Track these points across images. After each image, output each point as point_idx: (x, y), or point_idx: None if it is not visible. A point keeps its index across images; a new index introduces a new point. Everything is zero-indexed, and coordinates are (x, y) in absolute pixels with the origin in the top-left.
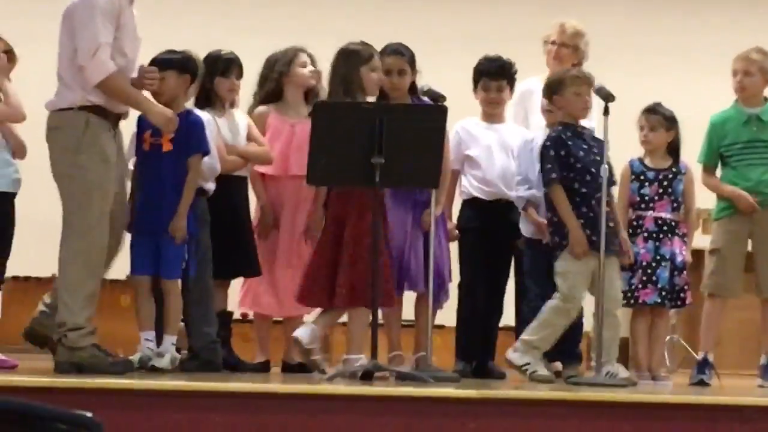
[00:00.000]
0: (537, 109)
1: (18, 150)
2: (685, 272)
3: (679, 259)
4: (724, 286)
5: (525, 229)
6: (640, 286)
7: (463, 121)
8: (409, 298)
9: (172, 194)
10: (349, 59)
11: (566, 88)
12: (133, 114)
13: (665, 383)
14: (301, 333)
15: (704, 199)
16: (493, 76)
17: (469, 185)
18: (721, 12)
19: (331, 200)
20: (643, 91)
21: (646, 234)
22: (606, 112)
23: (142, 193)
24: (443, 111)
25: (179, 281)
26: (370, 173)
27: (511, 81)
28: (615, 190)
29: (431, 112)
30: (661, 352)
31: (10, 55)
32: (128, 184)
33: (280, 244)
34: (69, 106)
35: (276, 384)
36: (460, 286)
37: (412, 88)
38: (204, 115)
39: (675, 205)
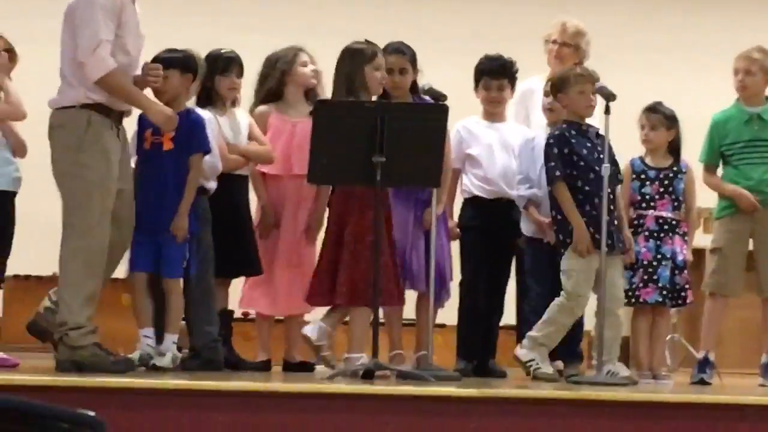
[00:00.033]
0: (538, 108)
1: (18, 149)
2: (686, 271)
3: (680, 258)
4: (725, 285)
5: (526, 228)
6: (641, 285)
7: (464, 120)
8: (410, 297)
9: (172, 193)
10: (353, 58)
11: (570, 87)
12: (135, 112)
13: (666, 382)
14: (310, 331)
15: (705, 198)
16: (494, 74)
17: (470, 184)
18: (722, 11)
19: (334, 199)
20: (643, 90)
21: (647, 233)
22: (607, 111)
23: (143, 191)
24: (444, 110)
25: (180, 280)
26: (371, 172)
27: (512, 80)
28: (620, 188)
29: (432, 111)
30: (662, 351)
31: (11, 53)
32: None
33: (281, 244)
34: (71, 104)
35: (277, 383)
36: (461, 284)
37: (414, 87)
38: (205, 113)
39: (676, 204)
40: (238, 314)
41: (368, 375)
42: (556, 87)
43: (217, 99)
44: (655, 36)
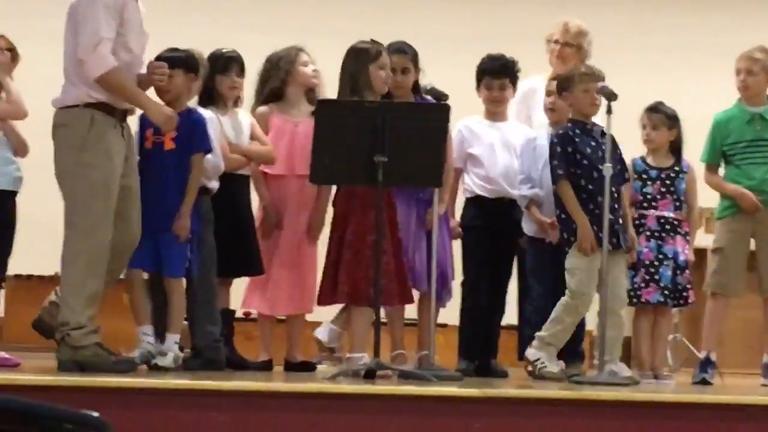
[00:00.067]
0: (539, 107)
1: (19, 148)
2: (687, 271)
3: (681, 258)
4: (727, 285)
5: (528, 227)
6: (642, 284)
7: (466, 120)
8: None
9: (174, 193)
10: (358, 57)
11: (575, 85)
12: (137, 111)
13: (668, 382)
14: (321, 333)
15: (707, 197)
16: (496, 74)
17: (472, 183)
18: (724, 11)
19: (337, 199)
20: (645, 89)
21: (648, 233)
22: (609, 111)
23: (144, 191)
24: (446, 110)
25: (183, 280)
26: (373, 172)
27: (513, 79)
28: (626, 188)
29: (434, 111)
30: (663, 351)
31: (12, 53)
32: None
33: (282, 244)
34: (74, 103)
35: (279, 383)
36: (462, 284)
37: (416, 86)
38: (207, 113)
39: (677, 203)
40: (239, 314)
41: (370, 375)
42: (561, 86)
43: (219, 99)
44: (656, 36)
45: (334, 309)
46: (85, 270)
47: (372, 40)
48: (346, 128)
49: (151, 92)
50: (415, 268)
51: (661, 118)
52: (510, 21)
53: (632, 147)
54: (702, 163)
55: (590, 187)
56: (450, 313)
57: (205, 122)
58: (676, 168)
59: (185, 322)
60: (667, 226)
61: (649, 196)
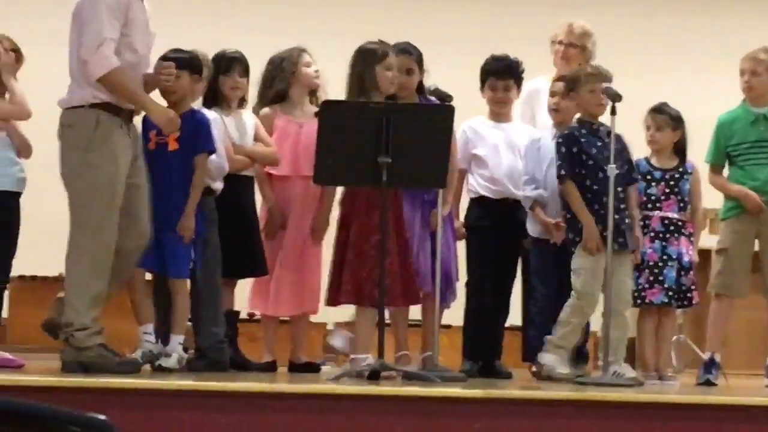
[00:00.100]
0: (544, 108)
1: (23, 149)
2: (691, 272)
3: (685, 258)
4: (731, 286)
5: (532, 228)
6: (646, 285)
7: (471, 120)
8: None
9: (178, 193)
10: (365, 58)
11: (582, 86)
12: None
13: (672, 383)
14: (336, 341)
15: (711, 198)
16: (501, 75)
17: (476, 184)
18: (727, 12)
19: (343, 199)
20: (649, 90)
21: (652, 234)
22: (613, 112)
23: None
24: (450, 110)
25: (187, 281)
26: (377, 173)
27: (518, 80)
28: (634, 188)
29: (438, 112)
30: (667, 352)
31: (17, 54)
32: None
33: (287, 245)
34: (80, 103)
35: (283, 384)
36: (467, 285)
37: (420, 87)
38: (211, 114)
39: (682, 204)
40: (244, 315)
41: (374, 376)
42: (568, 86)
43: (223, 99)
44: (659, 37)
45: (339, 310)
46: (90, 271)
47: (379, 40)
48: (350, 129)
49: (155, 93)
50: (419, 269)
51: (665, 119)
52: (513, 22)
53: (636, 148)
54: (706, 164)
55: (595, 187)
56: (454, 314)
57: (208, 123)
58: (681, 169)
59: (189, 323)
60: (672, 227)
61: (653, 197)
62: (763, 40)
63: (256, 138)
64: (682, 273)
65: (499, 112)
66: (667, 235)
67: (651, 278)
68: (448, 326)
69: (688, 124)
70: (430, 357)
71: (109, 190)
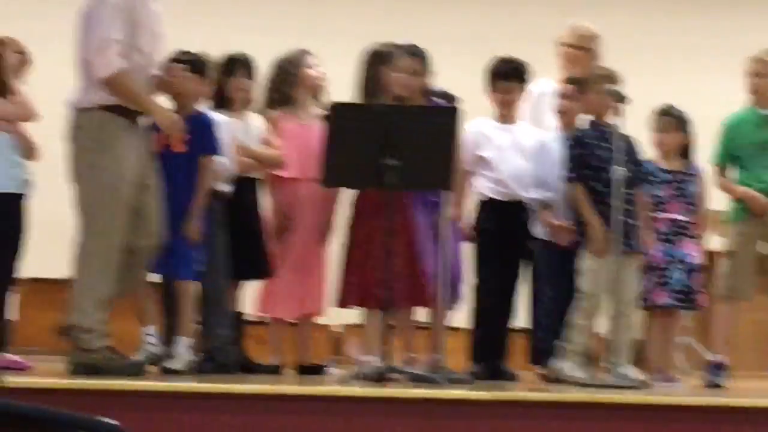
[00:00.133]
0: (549, 110)
1: (29, 151)
2: (698, 274)
3: (692, 261)
4: (737, 289)
5: (539, 230)
6: (653, 288)
7: (477, 122)
8: None
9: (183, 195)
10: (373, 60)
11: (590, 87)
12: None
13: (678, 385)
14: (358, 351)
15: (717, 200)
16: (507, 77)
17: (482, 186)
18: (732, 13)
19: (353, 201)
20: (655, 92)
21: (659, 236)
22: (620, 114)
23: None
24: (456, 112)
25: (193, 283)
26: (383, 175)
27: (524, 82)
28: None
29: (444, 114)
30: (674, 354)
31: (23, 56)
32: None
33: (294, 247)
34: (89, 105)
35: (290, 386)
36: (473, 287)
37: (427, 89)
38: (217, 116)
39: (688, 206)
40: (250, 317)
41: (381, 378)
42: (577, 88)
43: (229, 101)
44: (665, 38)
45: (347, 312)
46: (96, 273)
47: (389, 42)
48: (356, 131)
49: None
50: (425, 270)
51: (672, 121)
52: (519, 24)
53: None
54: (712, 166)
55: (603, 189)
56: (461, 317)
57: (213, 124)
58: (687, 171)
59: (196, 325)
60: (678, 229)
61: (659, 199)
62: (766, 41)
63: (262, 140)
64: (689, 275)
65: (505, 113)
66: (674, 238)
67: (657, 280)
68: (455, 328)
69: (694, 126)
70: (437, 359)
71: (116, 192)
